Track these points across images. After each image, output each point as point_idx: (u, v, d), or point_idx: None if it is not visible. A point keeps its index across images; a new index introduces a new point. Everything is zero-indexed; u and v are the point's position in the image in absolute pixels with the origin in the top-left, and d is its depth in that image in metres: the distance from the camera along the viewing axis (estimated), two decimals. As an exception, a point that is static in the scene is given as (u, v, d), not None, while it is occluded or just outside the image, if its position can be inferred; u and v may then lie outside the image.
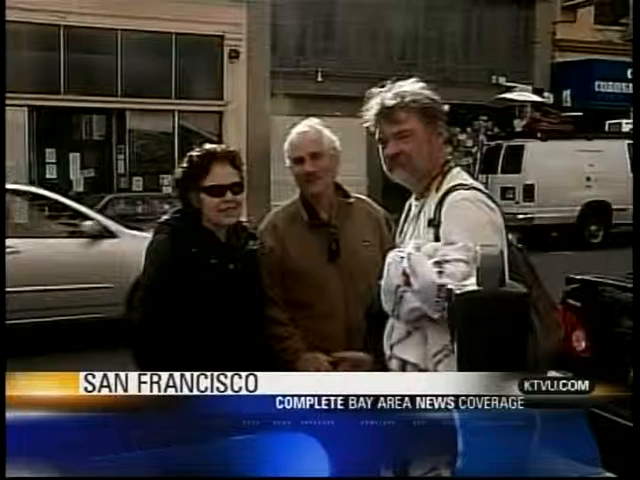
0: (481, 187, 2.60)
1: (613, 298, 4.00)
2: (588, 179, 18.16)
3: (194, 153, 3.04)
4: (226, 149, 3.08)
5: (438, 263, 2.25)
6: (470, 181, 2.61)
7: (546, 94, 20.41)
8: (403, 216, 2.76)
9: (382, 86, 2.65)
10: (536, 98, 19.45)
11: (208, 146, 3.07)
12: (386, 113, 2.58)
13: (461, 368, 1.75)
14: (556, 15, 23.34)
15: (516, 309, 1.66)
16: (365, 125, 2.66)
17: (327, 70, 20.11)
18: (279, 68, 19.82)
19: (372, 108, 2.63)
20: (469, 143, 21.92)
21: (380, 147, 2.65)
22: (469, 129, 22.00)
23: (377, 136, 2.65)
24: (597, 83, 23.08)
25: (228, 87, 19.45)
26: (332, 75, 19.97)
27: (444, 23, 21.87)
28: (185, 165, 3.04)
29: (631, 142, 18.60)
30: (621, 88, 23.47)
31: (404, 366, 2.39)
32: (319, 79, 20.07)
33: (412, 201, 2.71)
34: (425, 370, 2.34)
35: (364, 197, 3.46)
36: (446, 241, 2.37)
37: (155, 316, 2.92)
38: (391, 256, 2.37)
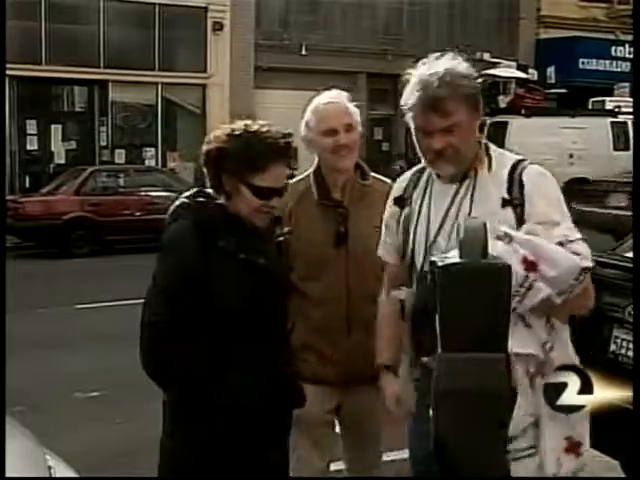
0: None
1: (594, 274, 4.02)
2: (571, 156, 18.21)
3: (254, 142, 2.43)
4: (289, 146, 2.49)
5: (561, 244, 2.10)
6: (515, 154, 2.48)
7: (530, 71, 20.34)
8: (418, 200, 2.49)
9: (415, 62, 2.36)
10: (520, 74, 19.40)
11: (270, 139, 2.44)
12: (434, 104, 2.29)
13: (443, 341, 1.75)
14: (541, -9, 23.33)
15: (499, 281, 1.67)
16: (404, 108, 2.37)
17: (311, 44, 20.00)
18: (263, 41, 19.70)
19: (413, 94, 2.33)
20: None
21: (419, 135, 2.38)
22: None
23: (417, 124, 2.36)
24: (581, 60, 23.11)
25: (212, 60, 19.32)
26: (316, 49, 19.87)
27: (429, -2, 21.80)
28: (241, 151, 2.42)
29: (614, 120, 18.70)
30: (605, 65, 23.53)
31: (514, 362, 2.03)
32: (303, 53, 19.96)
33: (436, 186, 2.46)
34: (543, 361, 2.18)
35: (384, 178, 3.15)
36: (544, 221, 2.21)
37: (183, 319, 2.37)
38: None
